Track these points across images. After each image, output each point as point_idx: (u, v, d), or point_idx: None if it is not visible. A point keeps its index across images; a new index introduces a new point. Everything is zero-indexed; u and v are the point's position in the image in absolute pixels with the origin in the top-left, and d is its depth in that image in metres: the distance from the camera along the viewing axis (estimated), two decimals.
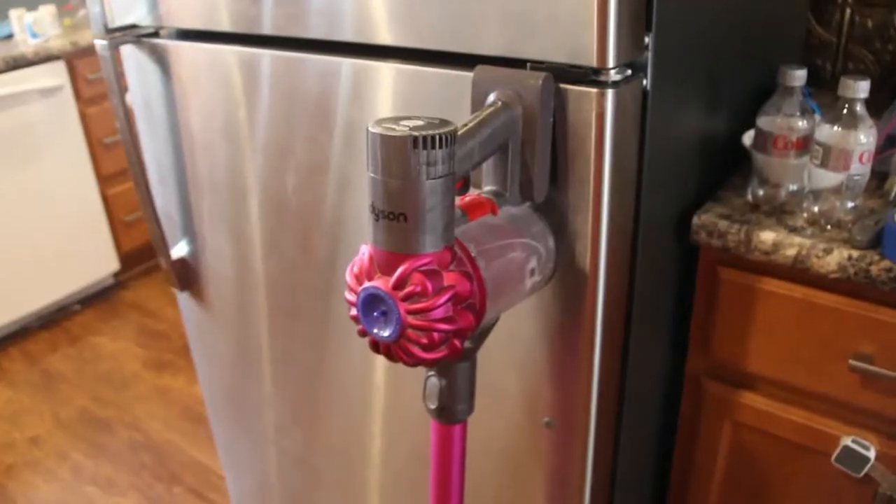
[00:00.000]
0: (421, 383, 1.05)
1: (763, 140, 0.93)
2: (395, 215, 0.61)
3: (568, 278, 0.81)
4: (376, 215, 0.62)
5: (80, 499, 1.87)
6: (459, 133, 0.65)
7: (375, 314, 0.65)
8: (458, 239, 0.66)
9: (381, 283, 0.63)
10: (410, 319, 0.63)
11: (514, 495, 1.02)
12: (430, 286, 0.62)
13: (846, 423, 0.96)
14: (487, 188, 0.75)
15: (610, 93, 0.72)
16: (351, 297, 0.67)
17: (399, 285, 0.62)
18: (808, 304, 0.92)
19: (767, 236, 0.90)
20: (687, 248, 1.00)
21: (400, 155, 0.59)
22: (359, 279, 0.65)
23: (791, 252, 0.89)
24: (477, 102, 0.74)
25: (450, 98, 0.82)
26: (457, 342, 0.65)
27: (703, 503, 1.14)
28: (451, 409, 0.76)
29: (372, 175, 0.62)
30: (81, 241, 2.60)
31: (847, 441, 0.94)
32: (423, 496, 1.18)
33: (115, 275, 2.83)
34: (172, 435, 2.09)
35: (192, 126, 1.14)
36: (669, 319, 1.05)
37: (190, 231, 1.28)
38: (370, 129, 0.61)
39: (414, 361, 0.65)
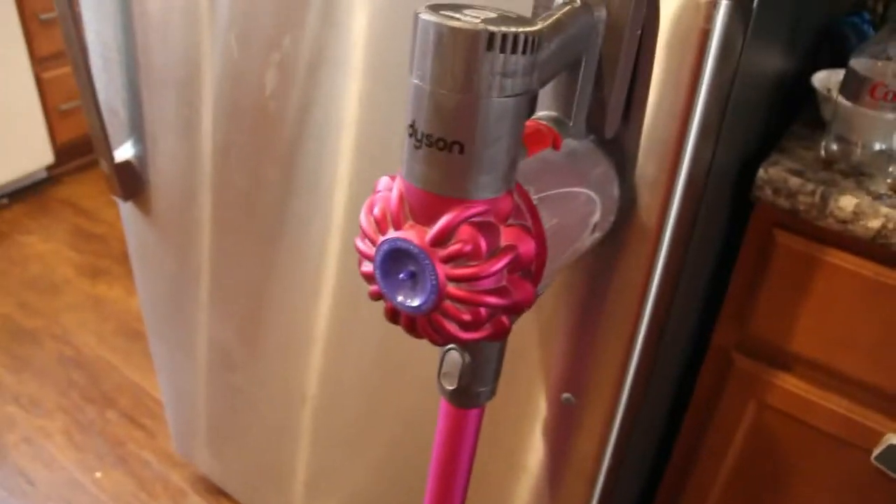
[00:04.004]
0: (378, 326, 0.89)
1: (856, 86, 0.77)
2: (448, 143, 0.43)
3: (623, 235, 0.65)
4: (418, 141, 0.44)
5: None
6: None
7: (402, 276, 0.48)
8: (518, 182, 0.49)
9: (414, 236, 0.46)
10: (451, 288, 0.46)
11: (514, 477, 0.88)
12: (483, 245, 0.45)
13: (893, 419, 0.84)
14: (544, 113, 0.58)
15: (724, 3, 0.54)
16: (366, 247, 0.49)
17: (440, 240, 0.45)
18: (878, 284, 0.78)
19: (848, 202, 0.75)
20: (738, 204, 0.85)
21: (467, 57, 0.41)
22: (381, 226, 0.48)
23: (875, 224, 0.74)
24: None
25: None
26: (505, 319, 0.49)
27: (707, 487, 1.02)
28: (471, 392, 0.60)
29: (417, 83, 0.44)
30: (12, 129, 2.31)
31: (893, 439, 0.83)
32: (358, 450, 1.06)
33: (49, 168, 2.56)
34: (106, 351, 1.90)
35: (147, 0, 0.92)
36: (705, 285, 0.90)
37: (138, 130, 1.07)
38: (422, 15, 0.42)
39: (445, 340, 0.49)
